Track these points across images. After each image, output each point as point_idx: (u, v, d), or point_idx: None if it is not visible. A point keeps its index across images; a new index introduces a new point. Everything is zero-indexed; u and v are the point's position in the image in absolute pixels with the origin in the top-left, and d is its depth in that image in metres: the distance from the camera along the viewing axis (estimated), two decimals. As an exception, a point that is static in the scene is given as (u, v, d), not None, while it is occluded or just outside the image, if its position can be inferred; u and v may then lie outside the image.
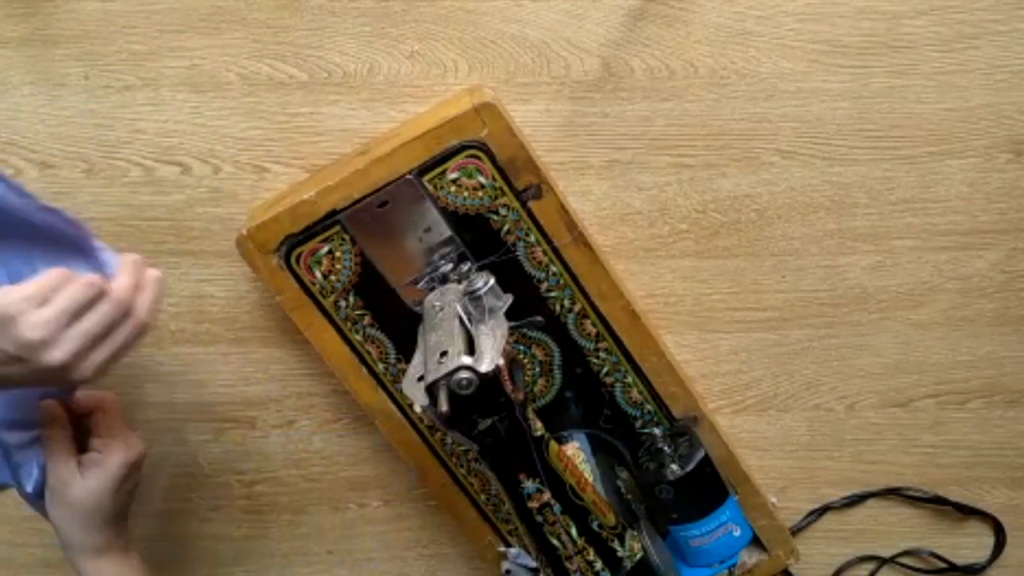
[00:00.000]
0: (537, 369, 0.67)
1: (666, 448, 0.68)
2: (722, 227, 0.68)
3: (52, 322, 0.50)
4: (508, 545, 0.70)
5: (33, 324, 0.50)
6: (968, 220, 0.68)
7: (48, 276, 0.51)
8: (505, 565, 0.70)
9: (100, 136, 0.66)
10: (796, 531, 0.75)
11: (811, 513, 0.75)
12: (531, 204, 0.63)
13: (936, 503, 0.74)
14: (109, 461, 0.59)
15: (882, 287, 0.70)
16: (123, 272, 0.55)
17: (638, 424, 0.69)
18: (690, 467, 0.67)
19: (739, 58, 0.65)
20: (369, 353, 0.65)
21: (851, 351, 0.71)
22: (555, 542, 0.58)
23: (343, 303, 0.64)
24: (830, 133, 0.66)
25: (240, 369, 0.71)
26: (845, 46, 0.64)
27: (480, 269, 0.62)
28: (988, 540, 0.76)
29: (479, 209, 0.63)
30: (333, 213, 0.62)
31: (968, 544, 0.76)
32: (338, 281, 0.64)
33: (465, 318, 0.57)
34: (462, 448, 0.68)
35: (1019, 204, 0.68)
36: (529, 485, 0.56)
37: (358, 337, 0.65)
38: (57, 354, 0.51)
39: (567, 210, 0.63)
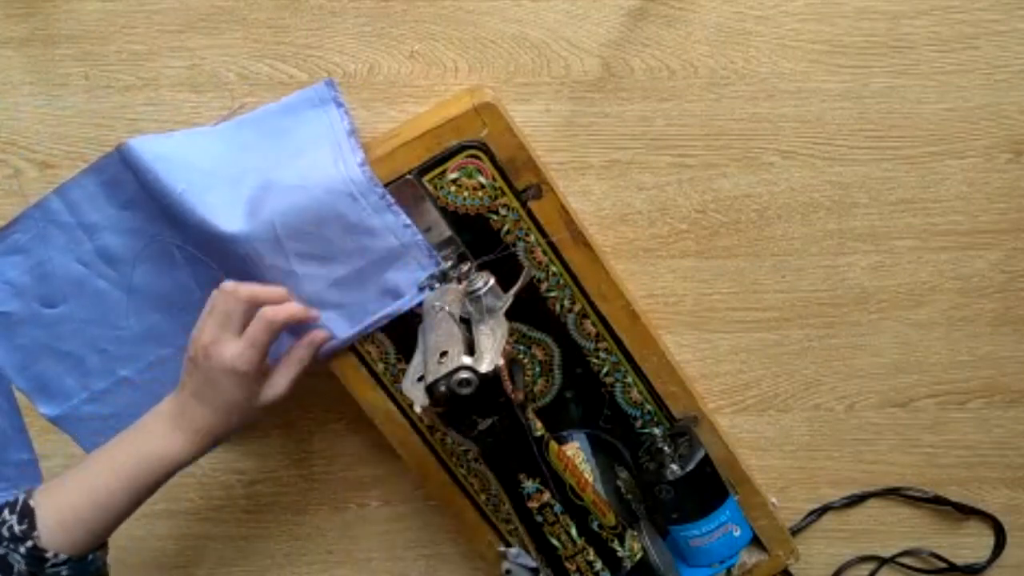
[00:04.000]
0: (537, 369, 0.67)
1: (666, 448, 0.68)
2: (722, 227, 0.68)
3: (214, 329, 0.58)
4: (508, 545, 0.70)
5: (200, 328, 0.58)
6: (968, 220, 0.68)
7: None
8: (505, 565, 0.70)
9: (100, 136, 0.66)
10: (796, 531, 0.75)
11: (811, 513, 0.75)
12: (531, 204, 0.62)
13: (936, 503, 0.74)
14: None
15: (882, 287, 0.70)
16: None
17: (638, 424, 0.69)
18: (690, 467, 0.67)
19: (739, 58, 0.65)
20: (369, 353, 0.65)
21: (851, 351, 0.71)
22: (555, 542, 0.58)
23: (343, 303, 0.64)
24: (830, 133, 0.66)
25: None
26: (845, 46, 0.64)
27: (480, 269, 0.62)
28: (988, 540, 0.76)
29: (479, 209, 0.63)
30: (333, 213, 0.61)
31: (968, 544, 0.76)
32: (338, 281, 0.64)
33: (465, 318, 0.57)
34: (462, 448, 0.68)
35: (1019, 204, 0.68)
36: (529, 485, 0.56)
37: (358, 337, 0.65)
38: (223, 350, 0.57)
39: (567, 210, 0.63)
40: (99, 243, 0.66)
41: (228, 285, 0.58)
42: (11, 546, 0.54)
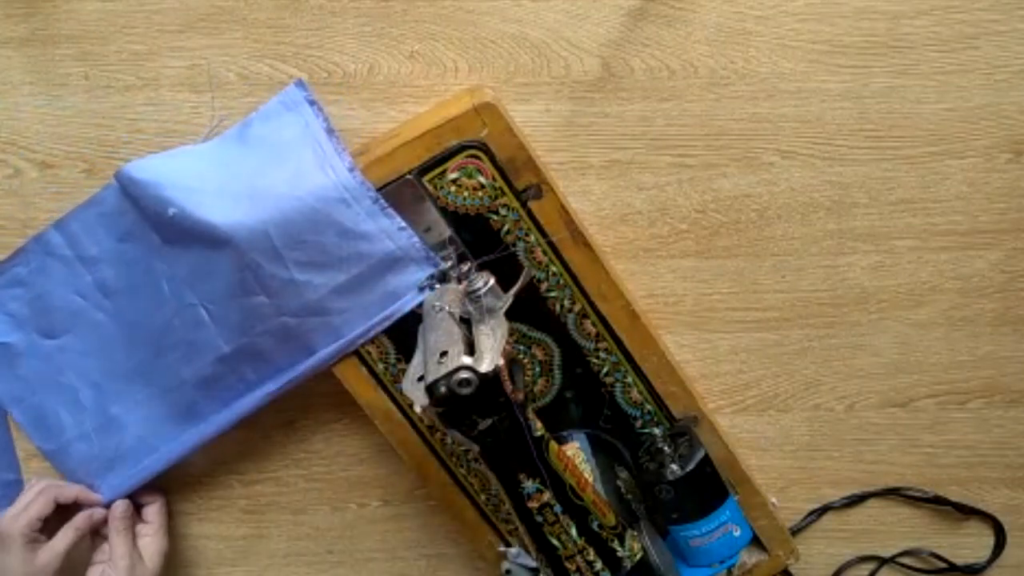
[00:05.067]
0: (537, 369, 0.67)
1: (666, 448, 0.68)
2: (722, 227, 0.68)
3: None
4: (508, 545, 0.70)
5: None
6: (968, 220, 0.68)
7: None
8: (505, 565, 0.70)
9: (100, 136, 0.66)
10: (796, 531, 0.75)
11: (811, 513, 0.75)
12: (531, 204, 0.63)
13: (936, 503, 0.74)
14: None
15: (882, 287, 0.70)
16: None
17: (638, 424, 0.69)
18: (690, 467, 0.67)
19: (739, 58, 0.65)
20: (369, 353, 0.65)
21: (851, 351, 0.72)
22: (555, 542, 0.58)
23: (343, 303, 0.64)
24: (830, 133, 0.66)
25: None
26: (845, 46, 0.64)
27: (480, 268, 0.62)
28: (988, 540, 0.76)
29: (479, 209, 0.63)
30: (333, 213, 0.61)
31: (968, 544, 0.76)
32: (338, 281, 0.64)
33: (465, 318, 0.57)
34: (462, 448, 0.68)
35: (1019, 204, 0.68)
36: (529, 485, 0.56)
37: (358, 337, 0.65)
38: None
39: (567, 210, 0.63)
40: (98, 276, 0.66)
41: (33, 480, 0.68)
42: None
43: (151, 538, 0.69)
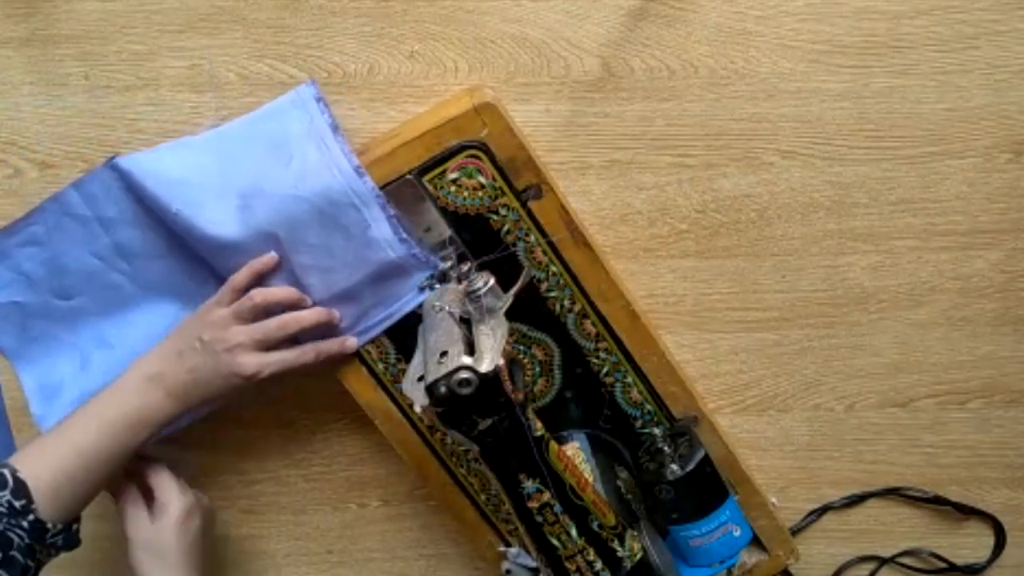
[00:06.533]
0: (537, 369, 0.67)
1: (666, 448, 0.68)
2: (722, 227, 0.68)
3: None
4: (508, 545, 0.70)
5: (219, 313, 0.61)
6: (968, 220, 0.68)
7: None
8: (505, 565, 0.70)
9: (100, 136, 0.66)
10: (796, 531, 0.75)
11: (811, 513, 0.75)
12: (531, 204, 0.63)
13: (936, 503, 0.74)
14: (171, 505, 0.63)
15: (882, 287, 0.70)
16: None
17: (638, 424, 0.69)
18: (690, 467, 0.67)
19: (739, 58, 0.65)
20: (369, 353, 0.65)
21: (851, 351, 0.71)
22: (555, 542, 0.58)
23: (343, 303, 0.64)
24: (830, 133, 0.66)
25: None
26: (845, 46, 0.64)
27: (480, 268, 0.62)
28: (988, 540, 0.76)
29: (479, 209, 0.63)
30: (333, 213, 0.61)
31: (968, 544, 0.76)
32: (338, 281, 0.64)
33: (465, 318, 0.57)
34: (462, 448, 0.68)
35: (1019, 204, 0.68)
36: (529, 485, 0.56)
37: (358, 337, 0.65)
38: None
39: (567, 210, 0.63)
40: (116, 237, 0.65)
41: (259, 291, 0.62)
42: (11, 521, 0.53)
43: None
